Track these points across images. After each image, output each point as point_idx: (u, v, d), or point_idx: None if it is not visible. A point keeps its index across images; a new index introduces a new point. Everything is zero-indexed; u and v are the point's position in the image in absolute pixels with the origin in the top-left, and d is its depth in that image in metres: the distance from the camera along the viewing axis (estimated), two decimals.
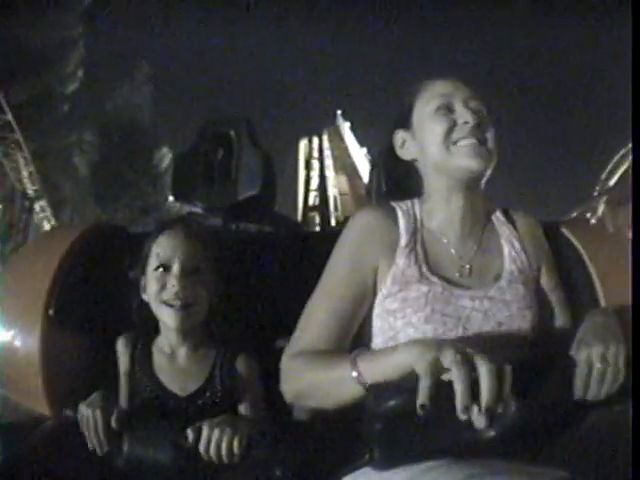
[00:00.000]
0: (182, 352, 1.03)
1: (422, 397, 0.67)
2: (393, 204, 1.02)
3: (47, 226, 17.72)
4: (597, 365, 0.73)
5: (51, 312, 1.04)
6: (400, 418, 0.68)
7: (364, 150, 39.54)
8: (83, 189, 19.10)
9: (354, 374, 0.79)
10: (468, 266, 0.96)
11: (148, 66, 22.01)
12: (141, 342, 1.04)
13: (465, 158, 0.93)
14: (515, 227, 1.04)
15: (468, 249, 0.98)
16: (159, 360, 1.03)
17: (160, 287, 1.00)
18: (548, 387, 0.72)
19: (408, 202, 1.02)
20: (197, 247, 1.03)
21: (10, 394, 1.07)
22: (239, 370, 1.03)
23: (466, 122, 0.94)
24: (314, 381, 0.86)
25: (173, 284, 0.99)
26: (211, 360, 1.03)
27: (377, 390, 0.73)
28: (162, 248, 1.02)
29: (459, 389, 0.66)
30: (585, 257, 1.09)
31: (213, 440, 0.83)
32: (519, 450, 0.71)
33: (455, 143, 0.94)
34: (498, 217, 1.05)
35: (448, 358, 0.68)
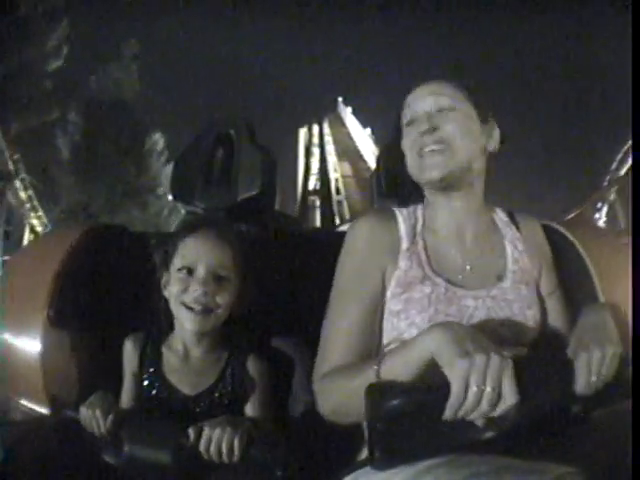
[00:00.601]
0: (196, 353, 1.04)
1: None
2: (394, 209, 1.06)
3: (33, 216, 17.55)
4: (593, 379, 0.75)
5: (51, 312, 1.07)
6: (400, 418, 0.70)
7: (368, 131, 39.15)
8: (67, 172, 18.67)
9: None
10: (470, 266, 0.99)
11: (137, 44, 21.45)
12: (151, 342, 1.05)
13: (427, 170, 0.99)
14: (518, 229, 1.07)
15: (470, 250, 1.01)
16: (169, 360, 1.04)
17: (182, 289, 1.00)
18: (548, 385, 0.75)
19: (411, 207, 1.06)
20: (225, 254, 1.02)
21: (10, 394, 1.09)
22: (249, 370, 1.04)
23: (421, 132, 0.99)
24: (347, 392, 0.86)
25: (195, 288, 0.99)
26: (223, 361, 1.04)
27: (377, 390, 0.74)
28: (188, 250, 1.02)
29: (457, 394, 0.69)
30: (585, 257, 1.11)
31: (214, 439, 0.85)
32: (520, 449, 0.74)
33: (420, 154, 0.99)
34: (501, 218, 1.09)
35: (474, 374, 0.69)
